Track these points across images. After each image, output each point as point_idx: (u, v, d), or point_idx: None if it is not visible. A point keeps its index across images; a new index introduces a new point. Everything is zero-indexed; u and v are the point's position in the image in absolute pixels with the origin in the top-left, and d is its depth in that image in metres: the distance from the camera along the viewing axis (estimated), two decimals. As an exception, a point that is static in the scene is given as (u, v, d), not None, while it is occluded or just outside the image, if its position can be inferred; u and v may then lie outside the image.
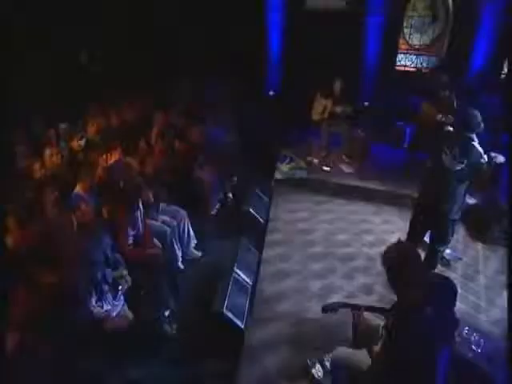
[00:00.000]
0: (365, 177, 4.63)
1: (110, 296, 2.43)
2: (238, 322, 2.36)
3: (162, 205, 3.39)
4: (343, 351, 1.77)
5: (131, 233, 2.77)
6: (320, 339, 2.31)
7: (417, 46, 6.35)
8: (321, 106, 4.78)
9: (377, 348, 1.55)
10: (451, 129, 2.62)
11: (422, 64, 6.57)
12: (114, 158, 3.55)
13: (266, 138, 5.58)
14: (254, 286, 2.86)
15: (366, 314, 1.82)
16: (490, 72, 5.61)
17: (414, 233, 2.94)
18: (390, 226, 3.80)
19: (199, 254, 3.48)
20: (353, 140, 4.95)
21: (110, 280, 2.47)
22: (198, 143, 4.46)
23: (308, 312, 2.65)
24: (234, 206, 4.31)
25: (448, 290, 1.72)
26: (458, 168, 2.53)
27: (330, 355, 1.94)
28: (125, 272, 2.58)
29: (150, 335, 2.41)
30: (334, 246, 3.48)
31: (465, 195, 2.74)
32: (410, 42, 6.32)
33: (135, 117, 4.66)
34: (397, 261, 1.54)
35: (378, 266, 3.08)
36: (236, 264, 2.86)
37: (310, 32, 6.22)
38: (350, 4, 5.93)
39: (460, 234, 3.68)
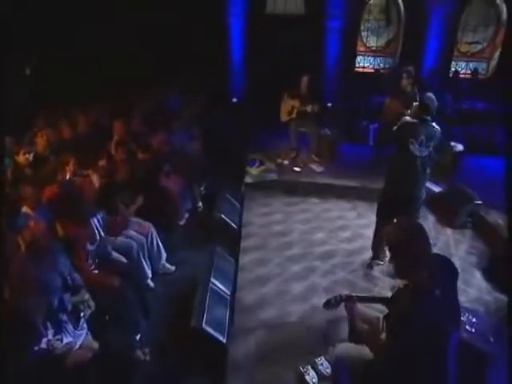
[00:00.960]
0: (335, 175, 4.68)
1: (70, 326, 2.13)
2: (220, 336, 2.18)
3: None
4: (345, 347, 1.64)
5: (90, 248, 2.50)
6: (309, 343, 2.20)
7: (374, 48, 6.66)
8: (288, 107, 4.79)
9: (380, 341, 1.44)
10: (412, 120, 2.69)
11: (379, 65, 6.89)
12: (68, 171, 3.24)
13: (234, 143, 5.51)
14: (232, 296, 2.69)
15: (362, 307, 1.72)
16: (440, 71, 6.00)
17: (383, 222, 2.91)
18: (365, 221, 3.82)
19: (172, 268, 3.26)
20: (321, 139, 5.00)
21: (69, 307, 2.18)
22: (162, 151, 4.25)
23: (292, 316, 2.54)
24: (205, 215, 4.15)
25: (452, 269, 1.62)
26: (426, 153, 2.63)
27: (323, 358, 1.82)
28: (86, 296, 2.29)
29: (120, 364, 2.14)
30: (311, 245, 3.42)
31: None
32: (368, 44, 6.60)
33: (91, 127, 4.35)
34: (404, 236, 1.41)
35: (358, 261, 3.21)
36: (212, 274, 2.68)
37: (272, 36, 6.30)
38: None
39: (430, 221, 3.80)
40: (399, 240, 1.42)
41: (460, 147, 3.86)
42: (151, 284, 3.05)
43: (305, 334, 2.29)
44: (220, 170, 4.84)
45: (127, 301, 2.48)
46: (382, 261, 3.05)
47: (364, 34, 6.51)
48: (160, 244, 3.26)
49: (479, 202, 3.60)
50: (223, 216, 3.66)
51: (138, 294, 2.64)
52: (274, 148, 5.33)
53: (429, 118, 2.64)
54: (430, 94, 2.67)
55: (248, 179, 4.68)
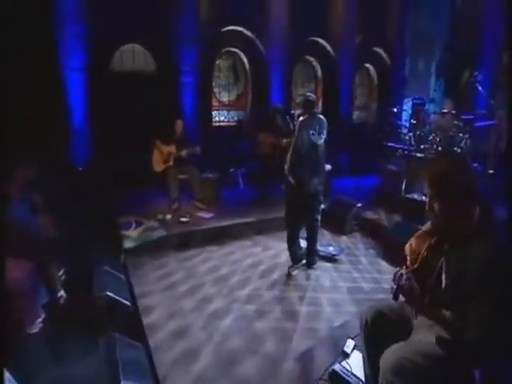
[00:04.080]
0: (226, 217, 4.58)
1: None
2: None
3: None
4: (395, 351, 1.26)
5: None
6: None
7: (226, 103, 7.39)
8: (164, 154, 4.51)
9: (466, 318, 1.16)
10: (305, 116, 3.22)
11: (233, 118, 7.66)
12: None
13: (94, 210, 4.68)
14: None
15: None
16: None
17: (292, 220, 3.33)
18: (273, 251, 3.84)
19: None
20: (203, 184, 4.87)
21: None
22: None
23: (251, 381, 2.02)
24: (74, 303, 3.10)
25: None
26: (321, 141, 3.18)
27: None
28: None
29: None
30: (233, 291, 3.05)
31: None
32: (220, 99, 7.29)
33: None
34: (452, 167, 1.27)
35: (290, 289, 3.07)
36: (121, 373, 1.86)
37: (122, 94, 6.05)
38: None
39: (325, 234, 4.28)
40: (448, 174, 1.27)
41: (328, 167, 4.60)
42: None
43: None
44: (84, 244, 3.90)
45: None
46: (299, 263, 3.39)
47: (216, 89, 7.20)
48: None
49: (359, 204, 4.32)
50: (109, 294, 2.82)
51: None
52: (149, 205, 4.82)
53: (316, 110, 3.28)
54: (306, 93, 3.39)
55: (128, 244, 3.93)
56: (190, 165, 4.65)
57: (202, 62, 6.35)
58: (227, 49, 6.96)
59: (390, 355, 1.26)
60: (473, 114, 4.77)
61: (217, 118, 7.52)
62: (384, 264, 3.57)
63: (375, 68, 8.27)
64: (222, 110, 7.52)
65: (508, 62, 6.22)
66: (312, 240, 3.42)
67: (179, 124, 4.65)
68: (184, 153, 4.50)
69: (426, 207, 1.33)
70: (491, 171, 4.42)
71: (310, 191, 3.22)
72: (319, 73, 7.85)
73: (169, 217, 4.54)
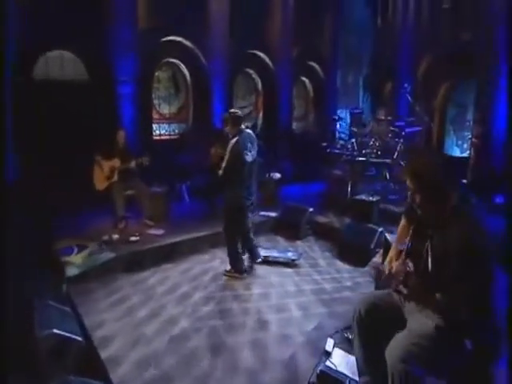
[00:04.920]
0: (178, 232, 4.40)
1: None
2: None
3: None
4: (402, 340, 1.31)
5: None
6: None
7: (167, 115, 7.17)
8: (106, 171, 4.18)
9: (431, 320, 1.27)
10: (235, 138, 3.24)
11: (174, 131, 7.46)
12: None
13: (30, 235, 4.13)
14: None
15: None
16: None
17: (235, 231, 3.43)
18: None
19: None
20: (152, 198, 4.62)
21: None
22: None
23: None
24: (13, 349, 2.67)
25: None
26: (255, 155, 3.30)
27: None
28: None
29: None
30: (196, 309, 2.93)
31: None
32: (161, 111, 7.04)
33: None
34: (431, 161, 1.37)
35: (261, 294, 3.10)
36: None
37: (49, 104, 5.48)
38: None
39: (281, 242, 4.41)
40: (428, 167, 1.37)
41: (278, 175, 4.75)
42: None
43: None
44: (18, 277, 3.41)
45: None
46: (242, 274, 3.47)
47: (156, 102, 6.94)
48: None
49: (311, 209, 4.55)
50: (56, 331, 2.49)
51: None
52: (92, 226, 4.44)
53: (241, 127, 3.28)
54: (233, 109, 3.51)
55: (72, 271, 3.54)
56: (136, 179, 4.39)
57: (140, 72, 6.09)
58: (167, 59, 6.81)
59: (395, 346, 1.33)
60: (404, 121, 5.41)
61: (157, 132, 7.27)
62: (340, 263, 3.81)
63: (310, 81, 8.89)
64: (163, 123, 7.29)
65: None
66: (249, 247, 3.59)
67: (121, 135, 4.37)
68: (133, 164, 4.23)
69: (409, 199, 1.45)
70: None
71: (245, 205, 3.34)
72: (259, 85, 8.14)
73: (116, 237, 4.22)
